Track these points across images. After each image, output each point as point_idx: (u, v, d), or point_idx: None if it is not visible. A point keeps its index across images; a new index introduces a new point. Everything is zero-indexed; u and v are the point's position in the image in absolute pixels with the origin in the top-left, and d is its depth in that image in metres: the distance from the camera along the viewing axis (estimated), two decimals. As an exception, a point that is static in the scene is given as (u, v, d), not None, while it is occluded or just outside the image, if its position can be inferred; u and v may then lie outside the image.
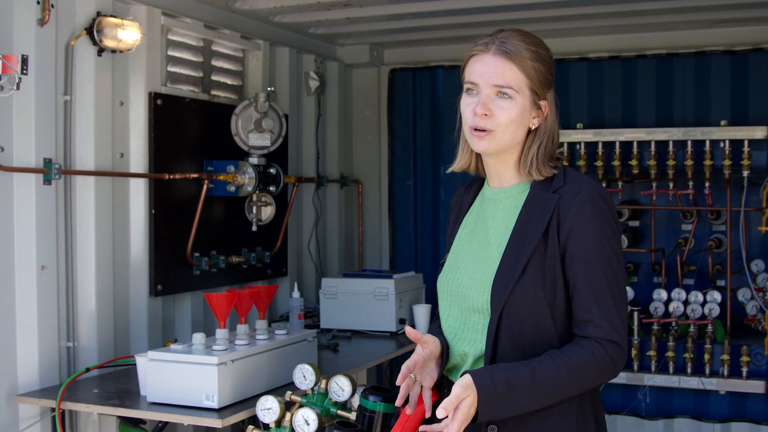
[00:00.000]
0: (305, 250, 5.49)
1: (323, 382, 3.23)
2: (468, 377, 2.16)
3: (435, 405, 2.44)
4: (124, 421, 3.64)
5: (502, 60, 2.27)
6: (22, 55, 3.20)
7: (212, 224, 4.49)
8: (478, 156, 2.46)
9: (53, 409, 3.50)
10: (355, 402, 3.16)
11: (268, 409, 3.09)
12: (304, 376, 3.24)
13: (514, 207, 2.35)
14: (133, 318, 4.07)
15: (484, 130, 2.28)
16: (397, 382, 2.39)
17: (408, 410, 2.45)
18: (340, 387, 3.17)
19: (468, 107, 2.32)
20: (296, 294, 4.67)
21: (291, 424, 3.06)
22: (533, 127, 2.33)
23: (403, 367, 2.35)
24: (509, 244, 2.29)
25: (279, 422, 3.09)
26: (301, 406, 3.18)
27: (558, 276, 2.24)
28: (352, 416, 3.06)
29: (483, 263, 2.34)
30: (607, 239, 2.23)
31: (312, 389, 3.24)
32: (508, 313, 2.24)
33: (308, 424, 3.02)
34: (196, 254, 4.37)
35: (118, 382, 3.63)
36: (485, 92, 2.28)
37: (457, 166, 2.53)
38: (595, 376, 2.22)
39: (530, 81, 2.28)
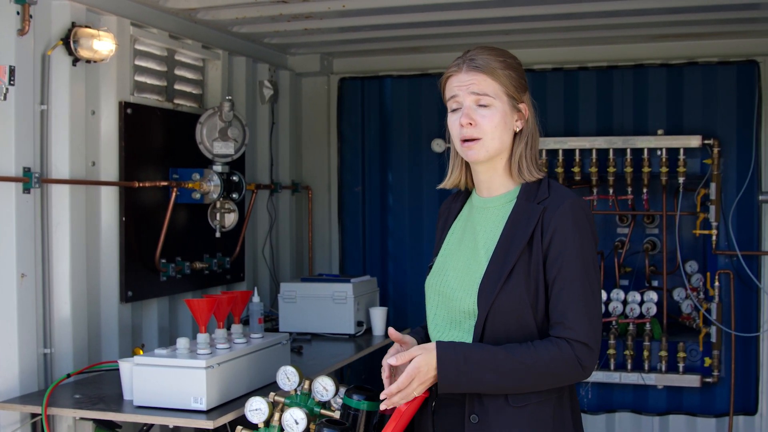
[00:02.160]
0: (260, 255, 5.59)
1: (306, 383, 3.34)
2: (433, 343, 2.40)
3: (425, 401, 2.60)
4: (100, 425, 3.71)
5: (475, 74, 2.46)
6: (10, 66, 3.24)
7: (178, 231, 4.57)
8: (469, 170, 2.63)
9: (33, 416, 3.56)
10: (336, 401, 3.29)
11: (256, 409, 3.19)
12: (288, 377, 3.34)
13: (502, 215, 2.52)
14: (104, 324, 4.12)
15: (473, 140, 2.46)
16: (385, 378, 2.52)
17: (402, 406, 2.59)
18: (324, 387, 3.28)
19: (454, 123, 2.50)
20: (256, 299, 4.76)
21: (280, 424, 3.17)
22: (517, 130, 2.50)
23: (385, 364, 2.48)
24: (496, 250, 2.46)
25: (267, 422, 3.20)
26: (285, 406, 3.30)
27: (540, 281, 2.41)
28: (335, 415, 3.19)
29: (471, 267, 2.51)
30: (584, 248, 2.41)
31: (295, 390, 3.35)
32: (494, 315, 2.41)
33: (297, 424, 3.14)
34: (163, 261, 4.44)
35: (96, 387, 3.69)
36: (466, 103, 2.46)
37: (448, 182, 2.69)
38: (559, 371, 2.36)
39: (505, 87, 2.46)
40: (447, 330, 2.54)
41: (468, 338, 2.47)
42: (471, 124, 2.45)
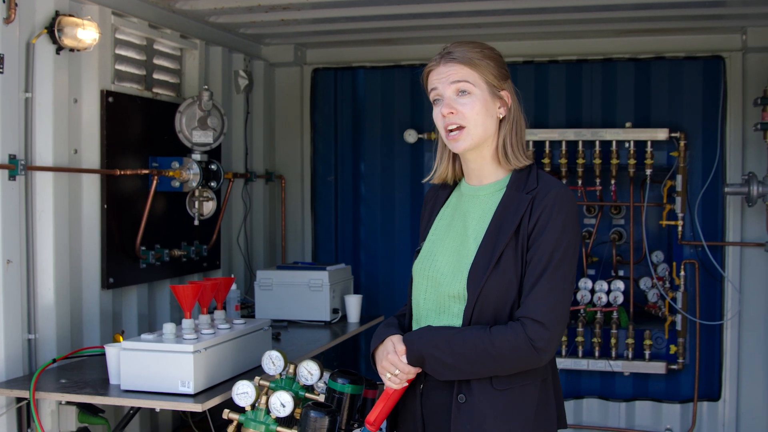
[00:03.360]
0: (234, 243, 5.64)
1: (291, 367, 3.41)
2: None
3: (413, 384, 2.69)
4: (84, 410, 3.75)
5: (453, 65, 2.55)
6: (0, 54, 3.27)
7: (157, 219, 4.61)
8: (455, 162, 2.72)
9: (18, 400, 3.59)
10: (319, 385, 3.35)
11: (244, 393, 3.24)
12: (273, 362, 3.40)
13: (491, 204, 2.60)
14: (86, 310, 4.16)
15: (457, 129, 2.54)
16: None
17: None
18: (309, 371, 3.34)
19: (438, 115, 2.59)
20: (233, 286, 4.81)
21: (266, 407, 3.24)
22: (501, 117, 2.58)
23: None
24: (485, 237, 2.54)
25: (253, 405, 3.26)
26: (271, 390, 3.36)
27: (525, 266, 2.50)
28: (320, 398, 3.26)
29: (461, 253, 2.59)
30: (564, 235, 2.48)
31: (280, 374, 3.42)
32: (483, 300, 2.49)
33: (284, 407, 3.20)
34: (143, 248, 4.48)
35: (80, 372, 3.72)
36: (446, 94, 2.55)
37: (435, 176, 2.77)
38: (511, 354, 2.43)
39: (483, 75, 2.54)
40: (435, 314, 2.62)
41: (456, 322, 2.55)
42: (452, 112, 2.53)
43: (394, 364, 2.58)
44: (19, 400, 3.59)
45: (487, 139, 2.58)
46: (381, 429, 2.84)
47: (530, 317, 2.42)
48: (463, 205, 2.67)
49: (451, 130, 2.56)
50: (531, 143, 5.57)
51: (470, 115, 2.52)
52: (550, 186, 2.53)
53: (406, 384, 2.65)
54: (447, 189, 2.79)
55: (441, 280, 2.60)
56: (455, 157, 2.69)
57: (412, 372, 2.58)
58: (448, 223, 2.70)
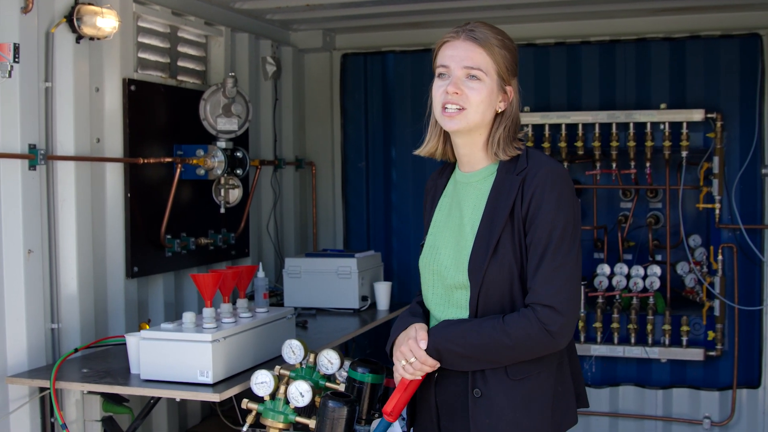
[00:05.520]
0: (264, 231, 5.62)
1: (311, 356, 3.37)
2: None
3: (429, 374, 2.64)
4: (108, 399, 3.75)
5: (471, 45, 2.48)
6: (14, 44, 3.26)
7: (182, 207, 4.61)
8: (446, 141, 2.66)
9: (41, 389, 3.60)
10: (341, 374, 3.32)
11: (262, 382, 3.22)
12: (293, 351, 3.38)
13: (484, 189, 2.55)
14: (111, 300, 4.16)
15: (456, 109, 2.47)
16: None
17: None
18: (329, 360, 3.32)
19: (439, 89, 2.51)
20: (261, 274, 4.77)
21: (285, 397, 3.21)
22: (500, 110, 2.53)
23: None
24: (481, 224, 2.50)
25: (273, 395, 3.24)
26: (291, 379, 3.33)
27: (525, 249, 2.44)
28: (340, 388, 3.22)
29: (460, 243, 2.55)
30: (561, 213, 2.42)
31: (300, 363, 3.38)
32: (486, 288, 2.45)
33: (303, 396, 3.17)
34: (168, 236, 4.47)
35: (103, 361, 3.72)
36: (456, 74, 2.47)
37: (424, 150, 2.70)
38: (529, 342, 2.38)
39: (497, 66, 2.49)
40: (444, 306, 2.60)
41: (464, 313, 2.52)
42: (458, 93, 2.46)
43: (412, 350, 2.52)
44: (42, 389, 3.60)
45: (481, 127, 2.52)
46: (402, 416, 2.80)
47: (539, 303, 2.38)
48: (459, 194, 2.63)
49: (447, 107, 2.49)
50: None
51: (475, 100, 2.47)
52: (540, 164, 2.47)
53: (420, 377, 2.60)
54: (444, 178, 2.74)
55: (445, 272, 2.57)
56: (446, 136, 2.63)
57: (428, 363, 2.52)
58: (446, 214, 2.67)
